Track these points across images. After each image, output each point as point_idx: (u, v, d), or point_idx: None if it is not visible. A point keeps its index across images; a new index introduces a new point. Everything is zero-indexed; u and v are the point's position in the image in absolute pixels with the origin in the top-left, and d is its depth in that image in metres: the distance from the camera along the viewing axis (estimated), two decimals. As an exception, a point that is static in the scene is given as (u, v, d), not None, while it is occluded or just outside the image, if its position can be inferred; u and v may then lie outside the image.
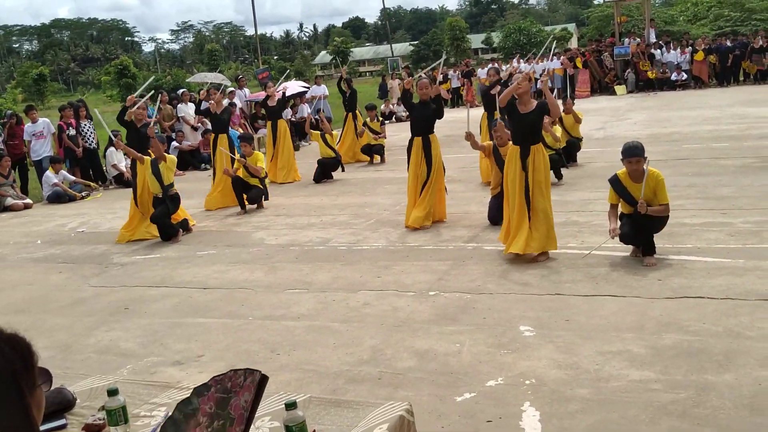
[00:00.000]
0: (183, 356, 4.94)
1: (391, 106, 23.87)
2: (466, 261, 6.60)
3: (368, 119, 14.07)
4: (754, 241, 6.28)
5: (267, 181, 10.61)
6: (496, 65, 17.11)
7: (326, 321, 5.37)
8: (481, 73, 27.93)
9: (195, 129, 16.18)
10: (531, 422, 3.61)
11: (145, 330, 5.56)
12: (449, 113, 11.54)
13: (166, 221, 8.51)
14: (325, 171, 12.32)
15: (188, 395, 1.94)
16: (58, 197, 12.66)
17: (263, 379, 1.86)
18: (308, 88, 21.71)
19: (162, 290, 6.62)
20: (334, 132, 13.36)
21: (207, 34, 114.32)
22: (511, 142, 6.68)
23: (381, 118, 16.23)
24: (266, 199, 10.28)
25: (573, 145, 11.29)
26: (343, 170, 12.51)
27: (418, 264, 6.66)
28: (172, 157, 8.97)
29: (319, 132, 12.60)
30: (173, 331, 5.47)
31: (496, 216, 7.50)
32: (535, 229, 6.30)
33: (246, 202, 10.09)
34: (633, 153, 5.96)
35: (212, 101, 10.95)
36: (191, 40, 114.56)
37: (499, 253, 6.68)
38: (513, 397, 3.88)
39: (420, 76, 9.74)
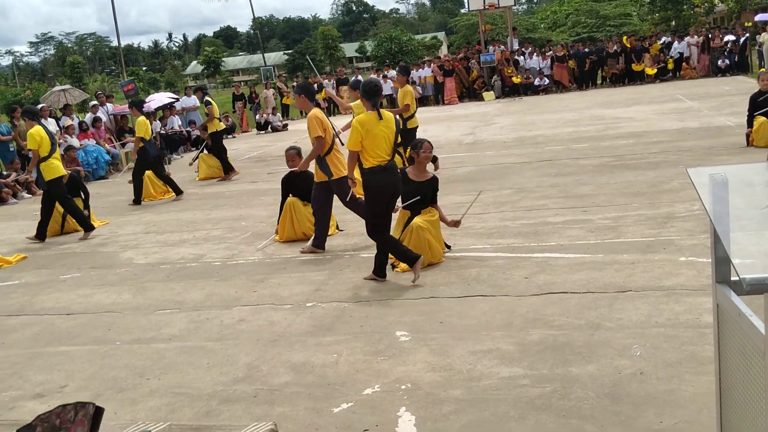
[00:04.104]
0: (44, 388, 4.64)
1: (265, 115, 23.60)
2: (344, 269, 6.60)
3: None
4: (612, 236, 6.65)
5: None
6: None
7: (199, 341, 5.20)
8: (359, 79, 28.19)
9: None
10: (407, 427, 3.64)
11: (3, 362, 5.19)
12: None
13: None
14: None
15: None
16: None
17: (98, 411, 1.75)
18: (177, 99, 21.09)
19: (21, 319, 6.20)
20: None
21: (69, 45, 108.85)
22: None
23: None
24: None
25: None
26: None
27: (295, 275, 6.59)
28: None
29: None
30: (33, 362, 5.13)
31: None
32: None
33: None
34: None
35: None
36: (52, 52, 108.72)
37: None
38: (389, 404, 3.90)
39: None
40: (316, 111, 7.23)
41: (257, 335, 5.17)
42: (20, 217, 11.63)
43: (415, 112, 10.76)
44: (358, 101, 8.08)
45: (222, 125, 13.90)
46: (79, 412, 1.70)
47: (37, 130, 9.27)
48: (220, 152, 13.71)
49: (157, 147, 12.32)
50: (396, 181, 6.08)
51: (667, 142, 11.64)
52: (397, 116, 6.75)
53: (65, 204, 9.55)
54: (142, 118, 11.86)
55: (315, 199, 7.35)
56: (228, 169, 13.60)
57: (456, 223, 6.75)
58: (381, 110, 6.04)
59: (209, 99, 13.99)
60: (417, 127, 10.81)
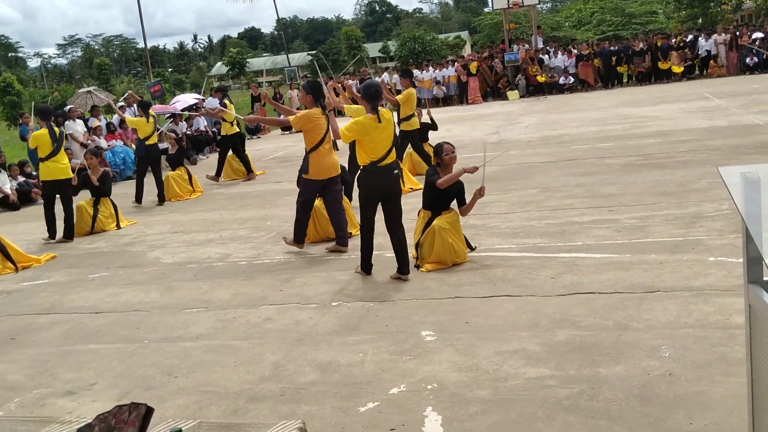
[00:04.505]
0: (74, 386, 4.71)
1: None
2: (368, 269, 6.61)
3: None
4: (639, 236, 6.59)
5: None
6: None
7: (226, 339, 5.25)
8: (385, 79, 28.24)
9: (85, 146, 15.54)
10: (433, 427, 3.63)
11: (34, 360, 5.27)
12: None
13: None
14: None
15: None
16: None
17: (149, 412, 1.78)
18: (203, 99, 21.25)
19: (51, 317, 6.30)
20: None
21: (96, 47, 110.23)
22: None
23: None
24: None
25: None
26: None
27: (320, 275, 6.62)
28: None
29: None
30: (64, 359, 5.21)
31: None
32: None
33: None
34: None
35: (89, 169, 10.33)
36: (79, 54, 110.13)
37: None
38: (415, 404, 3.90)
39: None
40: (313, 110, 7.34)
41: (283, 334, 5.20)
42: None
43: (413, 114, 10.81)
44: (358, 106, 8.28)
45: (234, 129, 13.92)
46: (132, 413, 1.74)
47: (41, 132, 9.47)
48: (223, 155, 13.98)
49: (158, 147, 12.62)
50: (388, 182, 6.26)
51: (694, 141, 11.50)
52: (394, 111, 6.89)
53: (45, 207, 9.74)
54: (142, 119, 12.22)
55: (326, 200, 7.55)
56: (218, 173, 13.83)
57: (480, 190, 6.46)
58: (381, 111, 6.25)
59: (227, 102, 14.14)
60: (416, 129, 10.86)
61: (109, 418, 1.84)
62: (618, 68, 25.31)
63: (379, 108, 6.28)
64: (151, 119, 12.28)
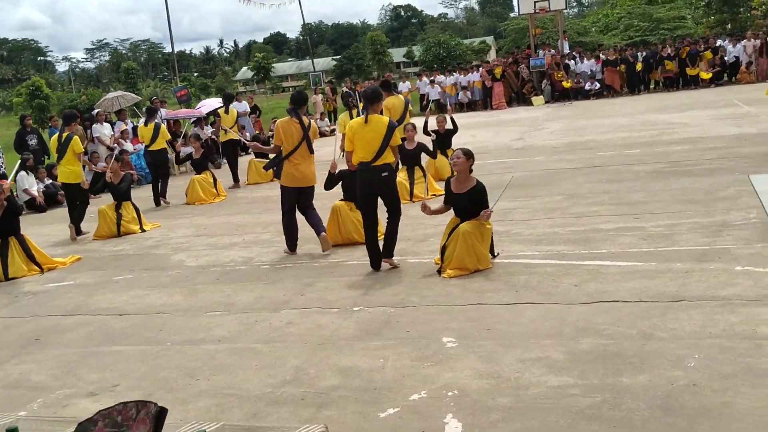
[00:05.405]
0: (97, 387, 4.75)
1: (313, 121, 23.79)
2: (390, 275, 6.60)
3: None
4: (665, 244, 6.51)
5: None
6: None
7: (248, 342, 5.26)
8: (403, 87, 28.25)
9: (111, 149, 15.71)
10: (454, 434, 3.61)
11: (58, 361, 5.33)
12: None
13: None
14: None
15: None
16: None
17: (162, 412, 1.78)
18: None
19: (76, 318, 6.37)
20: None
21: (123, 52, 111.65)
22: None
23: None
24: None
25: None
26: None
27: (342, 280, 6.62)
28: None
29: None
30: (87, 361, 5.26)
31: None
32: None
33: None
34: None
35: (109, 173, 10.58)
36: (107, 58, 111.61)
37: (423, 265, 6.72)
38: (436, 410, 3.88)
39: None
40: (283, 120, 7.75)
41: (305, 338, 5.21)
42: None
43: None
44: (344, 114, 9.02)
45: (231, 135, 14.22)
46: (141, 411, 1.74)
47: (53, 138, 10.50)
48: (229, 160, 14.27)
49: (160, 153, 12.99)
50: (372, 181, 6.65)
51: (723, 149, 11.35)
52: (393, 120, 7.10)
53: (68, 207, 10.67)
54: (148, 126, 12.77)
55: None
56: (236, 179, 14.06)
57: (485, 212, 6.32)
58: (372, 115, 6.71)
59: (230, 108, 14.58)
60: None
61: (114, 413, 1.83)
62: (649, 75, 25.07)
63: (373, 112, 6.78)
64: (152, 124, 12.56)
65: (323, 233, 7.65)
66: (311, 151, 7.67)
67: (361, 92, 7.06)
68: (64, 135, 10.21)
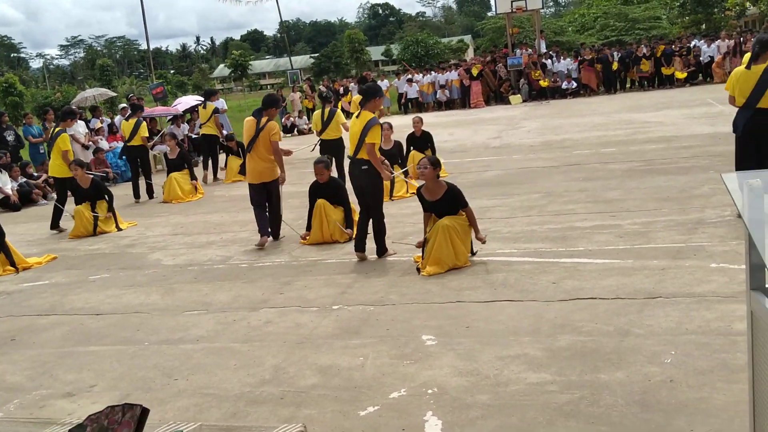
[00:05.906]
0: (74, 387, 4.70)
1: (292, 119, 23.71)
2: (369, 273, 6.60)
3: None
4: (642, 241, 6.57)
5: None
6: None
7: (226, 342, 5.24)
8: (383, 84, 28.25)
9: (86, 148, 15.55)
10: (433, 432, 3.62)
11: (34, 361, 5.26)
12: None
13: None
14: None
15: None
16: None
17: (144, 413, 1.77)
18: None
19: (51, 318, 6.29)
20: None
21: (98, 48, 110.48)
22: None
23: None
24: None
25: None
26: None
27: (321, 278, 6.61)
28: None
29: None
30: (64, 361, 5.20)
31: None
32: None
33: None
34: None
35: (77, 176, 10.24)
36: (82, 55, 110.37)
37: (402, 263, 6.73)
38: (416, 408, 3.89)
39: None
40: (247, 119, 8.12)
41: (284, 337, 5.19)
42: (50, 218, 11.76)
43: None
44: (317, 112, 10.03)
45: (206, 130, 14.51)
46: (127, 414, 1.73)
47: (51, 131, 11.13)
48: (207, 155, 14.60)
49: (137, 148, 12.99)
50: (354, 174, 7.01)
51: (697, 147, 11.49)
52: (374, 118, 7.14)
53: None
54: (130, 121, 12.88)
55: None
56: (214, 174, 14.44)
57: (482, 240, 6.55)
58: (363, 111, 6.99)
59: (207, 103, 14.66)
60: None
61: (101, 418, 1.82)
62: (624, 74, 25.28)
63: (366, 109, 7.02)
64: (134, 120, 12.69)
65: (263, 237, 8.03)
66: (269, 150, 7.92)
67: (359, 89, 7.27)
68: (56, 130, 10.46)
